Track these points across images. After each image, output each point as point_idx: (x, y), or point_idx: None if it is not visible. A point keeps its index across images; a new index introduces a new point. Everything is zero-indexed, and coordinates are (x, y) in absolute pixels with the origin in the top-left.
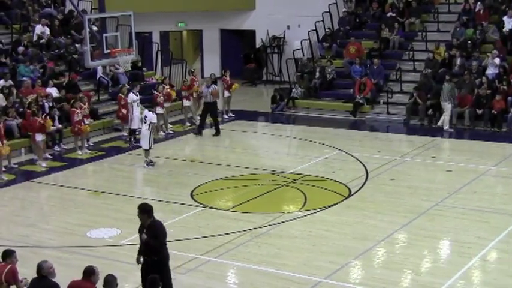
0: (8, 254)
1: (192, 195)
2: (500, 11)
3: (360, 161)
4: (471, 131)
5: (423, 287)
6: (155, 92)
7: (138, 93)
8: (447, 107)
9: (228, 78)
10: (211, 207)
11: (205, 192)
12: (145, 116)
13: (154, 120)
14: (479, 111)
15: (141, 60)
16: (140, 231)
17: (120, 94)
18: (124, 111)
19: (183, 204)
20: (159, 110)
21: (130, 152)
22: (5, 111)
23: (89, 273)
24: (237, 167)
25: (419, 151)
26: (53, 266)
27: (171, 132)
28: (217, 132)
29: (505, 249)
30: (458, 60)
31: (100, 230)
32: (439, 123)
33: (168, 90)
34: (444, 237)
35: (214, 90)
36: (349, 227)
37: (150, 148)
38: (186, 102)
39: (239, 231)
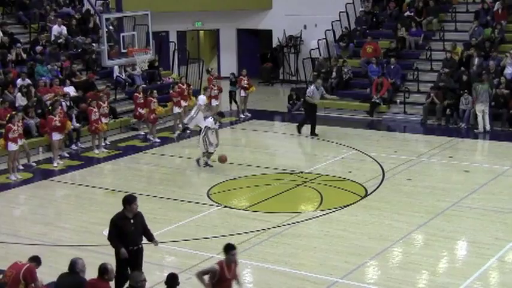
0: (34, 259)
1: (208, 195)
2: None
3: (376, 161)
4: (490, 131)
5: (440, 287)
6: (171, 92)
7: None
8: (483, 108)
9: (245, 78)
10: (227, 207)
11: (222, 191)
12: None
13: (205, 125)
14: (498, 111)
15: (157, 60)
16: (121, 222)
17: (136, 93)
18: (141, 110)
19: (198, 203)
20: (176, 109)
21: (145, 151)
22: (25, 110)
23: (103, 271)
24: (254, 166)
25: (436, 151)
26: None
27: (189, 131)
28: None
29: None
30: (476, 60)
31: None
32: (480, 128)
33: (181, 87)
34: (461, 237)
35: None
36: (366, 227)
37: (207, 151)
38: (176, 109)
39: (255, 231)
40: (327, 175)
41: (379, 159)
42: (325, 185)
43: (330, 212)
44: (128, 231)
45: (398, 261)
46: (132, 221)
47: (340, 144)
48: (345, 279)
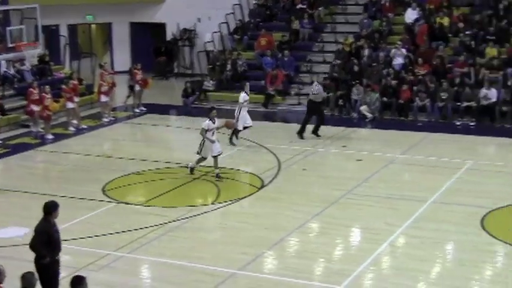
0: None
1: (103, 191)
2: (405, 3)
3: (272, 152)
4: (379, 120)
5: (335, 274)
6: (63, 87)
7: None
8: (372, 112)
9: (139, 72)
10: (123, 203)
11: (118, 187)
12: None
13: (205, 127)
14: (388, 101)
15: (48, 54)
16: (50, 230)
17: (31, 89)
18: (35, 107)
19: (94, 200)
20: (70, 104)
21: (37, 148)
22: None
23: None
24: (149, 161)
25: (331, 141)
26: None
27: (84, 127)
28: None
29: (412, 235)
30: (366, 51)
31: (6, 229)
32: (369, 116)
33: (75, 83)
34: (355, 225)
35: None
36: (262, 218)
37: (202, 157)
38: (69, 105)
39: (152, 226)
40: (223, 168)
41: (274, 150)
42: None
43: (227, 205)
44: (56, 239)
45: (294, 250)
46: (55, 228)
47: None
48: (243, 270)
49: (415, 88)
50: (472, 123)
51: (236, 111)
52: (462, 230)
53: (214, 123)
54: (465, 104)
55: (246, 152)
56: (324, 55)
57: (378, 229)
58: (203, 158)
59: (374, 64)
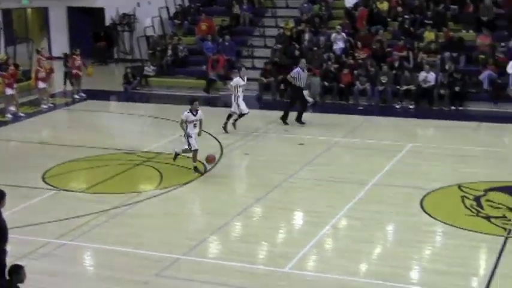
0: None
1: (43, 179)
2: None
3: (215, 138)
4: (321, 105)
5: (279, 257)
6: (2, 73)
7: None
8: (315, 97)
9: (78, 58)
10: (64, 190)
11: (58, 174)
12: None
13: (185, 118)
14: (329, 85)
15: None
16: None
17: None
18: None
19: (33, 188)
20: (9, 91)
21: None
22: None
23: None
24: (90, 147)
25: (273, 126)
26: None
27: (22, 115)
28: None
29: (354, 217)
30: (307, 36)
31: None
32: (310, 101)
33: (13, 69)
34: (298, 208)
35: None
36: (206, 203)
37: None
38: (8, 91)
39: (94, 213)
40: (165, 153)
41: (217, 135)
42: (165, 163)
43: (170, 190)
44: (4, 228)
45: (238, 234)
46: (1, 217)
47: (178, 122)
48: (187, 255)
49: (355, 72)
50: (411, 107)
51: (232, 97)
52: (402, 211)
53: (195, 115)
54: (404, 87)
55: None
56: (265, 40)
57: (320, 212)
58: (194, 151)
59: (315, 48)
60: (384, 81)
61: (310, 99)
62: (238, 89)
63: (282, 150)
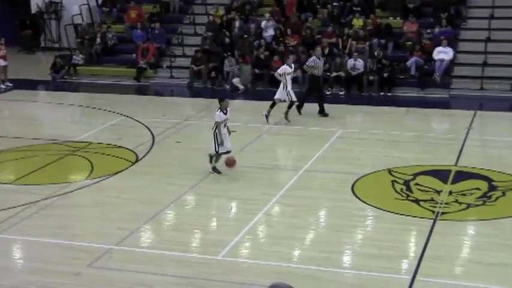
0: None
1: None
2: None
3: (146, 126)
4: (252, 92)
5: (212, 245)
6: None
7: (292, 66)
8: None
9: (3, 47)
10: None
11: None
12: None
13: (218, 119)
14: (260, 72)
15: None
16: None
17: None
18: None
19: None
20: None
21: None
22: None
23: None
24: (18, 138)
25: (204, 113)
26: None
27: None
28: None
29: (286, 203)
30: (237, 23)
31: None
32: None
33: None
34: (230, 196)
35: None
36: (138, 192)
37: (217, 153)
38: None
39: (23, 205)
40: (96, 143)
41: (148, 124)
42: (95, 152)
43: (101, 180)
44: None
45: (171, 223)
46: None
47: (109, 111)
48: (120, 245)
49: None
50: (341, 93)
51: (281, 86)
52: (334, 197)
53: (226, 113)
54: (334, 74)
55: (119, 127)
56: (195, 27)
57: (253, 199)
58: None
59: (245, 36)
60: None
61: (241, 87)
62: (287, 77)
63: None
